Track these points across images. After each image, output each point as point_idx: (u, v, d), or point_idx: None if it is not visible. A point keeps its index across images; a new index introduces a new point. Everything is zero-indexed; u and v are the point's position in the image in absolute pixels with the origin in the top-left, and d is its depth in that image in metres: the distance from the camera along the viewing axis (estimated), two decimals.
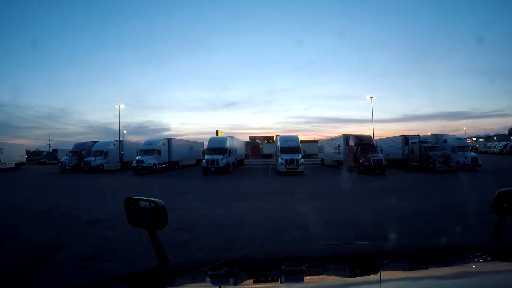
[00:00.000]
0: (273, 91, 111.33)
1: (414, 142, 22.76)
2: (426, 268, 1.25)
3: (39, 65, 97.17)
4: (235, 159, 25.68)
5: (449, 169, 19.71)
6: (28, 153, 71.14)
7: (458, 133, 39.61)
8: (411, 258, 1.37)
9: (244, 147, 35.71)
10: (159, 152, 24.06)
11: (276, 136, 27.29)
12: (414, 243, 3.05)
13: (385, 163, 20.19)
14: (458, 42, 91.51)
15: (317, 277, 1.22)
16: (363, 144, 21.57)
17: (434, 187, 13.53)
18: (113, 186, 15.81)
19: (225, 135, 27.79)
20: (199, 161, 29.02)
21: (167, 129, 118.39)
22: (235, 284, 1.15)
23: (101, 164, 25.09)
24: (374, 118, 47.32)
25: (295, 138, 23.36)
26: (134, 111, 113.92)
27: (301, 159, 20.80)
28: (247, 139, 53.10)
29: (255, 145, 53.84)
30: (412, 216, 7.19)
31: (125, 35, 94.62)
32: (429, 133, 28.17)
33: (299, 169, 20.37)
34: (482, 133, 72.57)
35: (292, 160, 20.30)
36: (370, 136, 24.07)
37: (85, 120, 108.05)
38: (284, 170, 20.12)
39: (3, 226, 6.71)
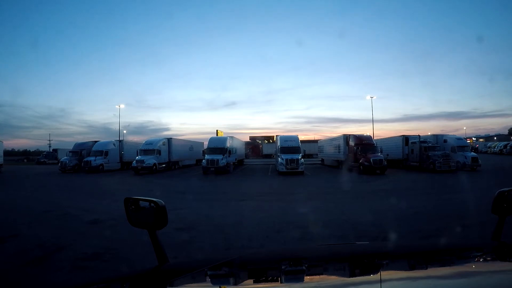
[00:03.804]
0: (273, 91, 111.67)
1: (414, 142, 22.74)
2: (426, 268, 1.25)
3: (39, 65, 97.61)
4: (235, 159, 25.67)
5: (449, 169, 19.69)
6: (28, 153, 71.54)
7: (458, 133, 39.71)
8: (411, 258, 1.37)
9: (244, 147, 35.69)
10: (159, 152, 24.05)
11: (276, 136, 27.29)
12: (414, 243, 3.05)
13: (385, 163, 20.18)
14: (458, 42, 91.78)
15: (317, 277, 1.22)
16: (363, 144, 21.57)
17: (434, 187, 13.52)
18: (113, 186, 15.81)
19: (225, 135, 27.79)
20: (199, 161, 28.98)
21: (167, 129, 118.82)
22: (235, 284, 1.15)
23: (101, 164, 25.07)
24: (374, 118, 47.36)
25: (295, 138, 23.35)
26: (134, 111, 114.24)
27: (301, 159, 20.80)
28: (247, 139, 53.22)
29: (255, 145, 53.85)
30: (412, 215, 7.20)
31: (125, 35, 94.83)
32: (429, 133, 28.21)
33: (299, 169, 20.37)
34: (482, 133, 72.61)
35: (292, 160, 20.29)
36: (370, 136, 24.08)
37: (85, 120, 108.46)
38: (284, 170, 20.12)
39: (3, 226, 6.71)
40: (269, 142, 51.53)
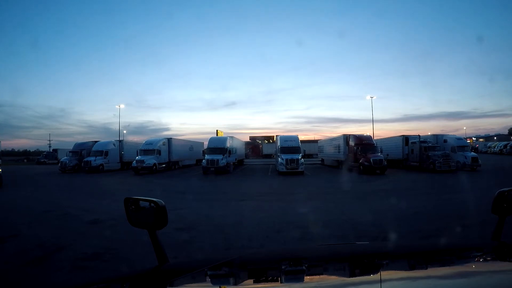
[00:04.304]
0: (273, 91, 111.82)
1: (414, 142, 22.74)
2: (426, 268, 1.25)
3: (39, 65, 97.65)
4: (235, 159, 25.68)
5: (449, 169, 19.68)
6: (28, 153, 71.50)
7: (458, 133, 39.71)
8: (411, 258, 1.37)
9: (244, 147, 35.69)
10: (159, 152, 24.05)
11: (276, 136, 27.30)
12: (414, 243, 3.05)
13: (385, 163, 20.19)
14: (458, 42, 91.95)
15: (317, 277, 1.22)
16: (363, 144, 21.58)
17: (434, 187, 13.52)
18: (113, 186, 15.82)
19: (225, 135, 27.79)
20: (199, 161, 28.98)
21: (167, 129, 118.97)
22: (235, 284, 1.15)
23: (101, 164, 25.07)
24: (374, 118, 47.38)
25: (295, 138, 23.35)
26: (134, 111, 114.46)
27: (301, 159, 20.79)
28: (247, 139, 53.22)
29: (255, 145, 53.86)
30: (412, 216, 7.19)
31: (125, 35, 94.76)
32: (429, 133, 28.20)
33: (299, 169, 20.36)
34: (482, 133, 72.65)
35: (292, 160, 20.29)
36: (370, 136, 24.08)
37: (85, 120, 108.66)
38: (284, 170, 20.12)
39: (3, 226, 6.71)
40: (269, 142, 51.54)
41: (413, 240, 5.06)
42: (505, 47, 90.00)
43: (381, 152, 21.64)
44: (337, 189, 13.38)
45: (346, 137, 23.29)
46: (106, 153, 25.83)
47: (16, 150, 77.79)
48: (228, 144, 23.26)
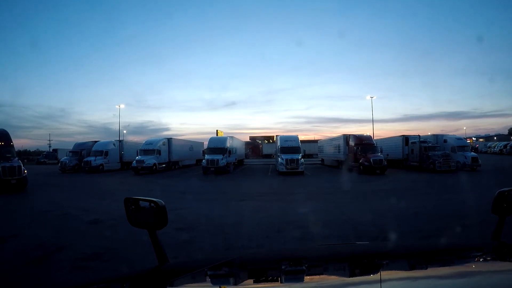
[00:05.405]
0: (273, 91, 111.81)
1: (414, 142, 22.74)
2: (426, 268, 1.25)
3: (39, 65, 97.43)
4: (235, 159, 25.68)
5: (449, 169, 19.69)
6: (28, 153, 71.49)
7: (458, 133, 39.73)
8: (411, 258, 1.37)
9: (244, 147, 35.72)
10: (159, 152, 24.06)
11: (276, 136, 27.31)
12: (414, 243, 3.05)
13: (385, 163, 20.19)
14: (458, 42, 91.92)
15: (317, 277, 1.22)
16: (363, 144, 21.58)
17: (434, 187, 13.52)
18: (113, 186, 15.82)
19: (225, 135, 27.81)
20: (199, 161, 29.02)
21: (167, 129, 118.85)
22: (235, 284, 1.15)
23: (101, 164, 25.07)
24: (374, 118, 47.38)
25: (295, 138, 23.36)
26: (134, 111, 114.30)
27: (301, 159, 20.80)
28: (247, 139, 53.23)
29: (255, 145, 53.87)
30: (412, 215, 7.20)
31: (125, 35, 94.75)
32: (429, 133, 28.21)
33: (299, 169, 20.37)
34: (482, 133, 72.63)
35: (292, 160, 20.30)
36: (370, 136, 24.09)
37: (85, 120, 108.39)
38: (284, 170, 20.12)
39: (3, 226, 6.71)
40: (269, 142, 51.57)
41: (413, 240, 5.06)
42: (505, 47, 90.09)
43: (381, 152, 21.65)
44: (337, 189, 13.38)
45: (346, 137, 23.30)
46: (106, 153, 25.82)
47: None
48: (228, 144, 23.27)
